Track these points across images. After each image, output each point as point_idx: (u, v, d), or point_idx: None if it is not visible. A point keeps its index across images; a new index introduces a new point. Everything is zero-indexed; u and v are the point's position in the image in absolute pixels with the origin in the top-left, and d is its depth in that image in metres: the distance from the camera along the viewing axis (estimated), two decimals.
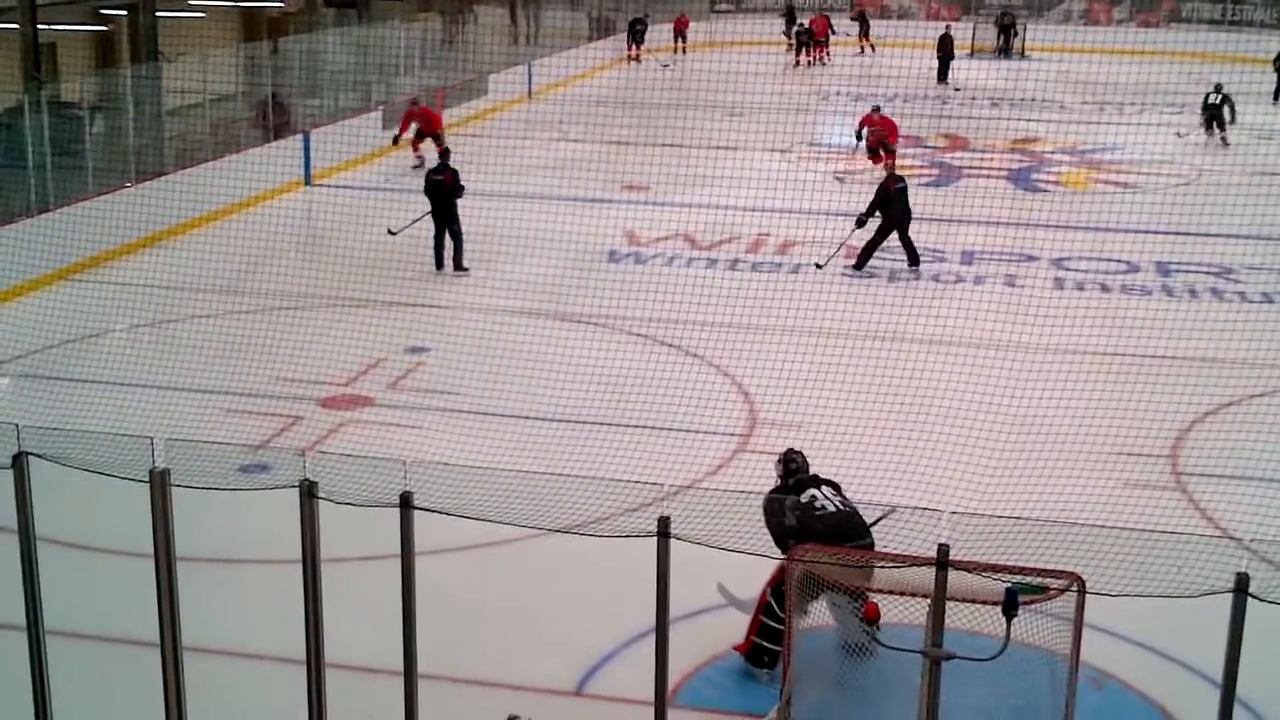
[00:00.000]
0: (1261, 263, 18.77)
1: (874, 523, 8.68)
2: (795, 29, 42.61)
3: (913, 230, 18.31)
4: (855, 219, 18.12)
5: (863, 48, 43.17)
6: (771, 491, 8.77)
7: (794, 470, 9.04)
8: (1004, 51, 42.66)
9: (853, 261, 18.28)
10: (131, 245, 18.35)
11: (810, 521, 8.43)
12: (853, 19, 44.25)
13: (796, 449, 9.36)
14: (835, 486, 8.81)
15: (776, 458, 9.30)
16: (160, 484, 6.23)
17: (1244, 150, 25.36)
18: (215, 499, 7.82)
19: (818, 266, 18.04)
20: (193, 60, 23.16)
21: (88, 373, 14.06)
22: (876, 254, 18.26)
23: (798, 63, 41.19)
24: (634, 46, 41.97)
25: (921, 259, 18.27)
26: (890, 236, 18.20)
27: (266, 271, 17.52)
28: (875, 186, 18.61)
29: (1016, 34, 42.88)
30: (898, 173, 18.83)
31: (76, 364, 14.41)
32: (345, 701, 6.96)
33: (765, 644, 8.65)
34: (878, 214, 18.20)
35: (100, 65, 25.86)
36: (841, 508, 8.56)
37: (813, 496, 8.60)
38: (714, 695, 8.61)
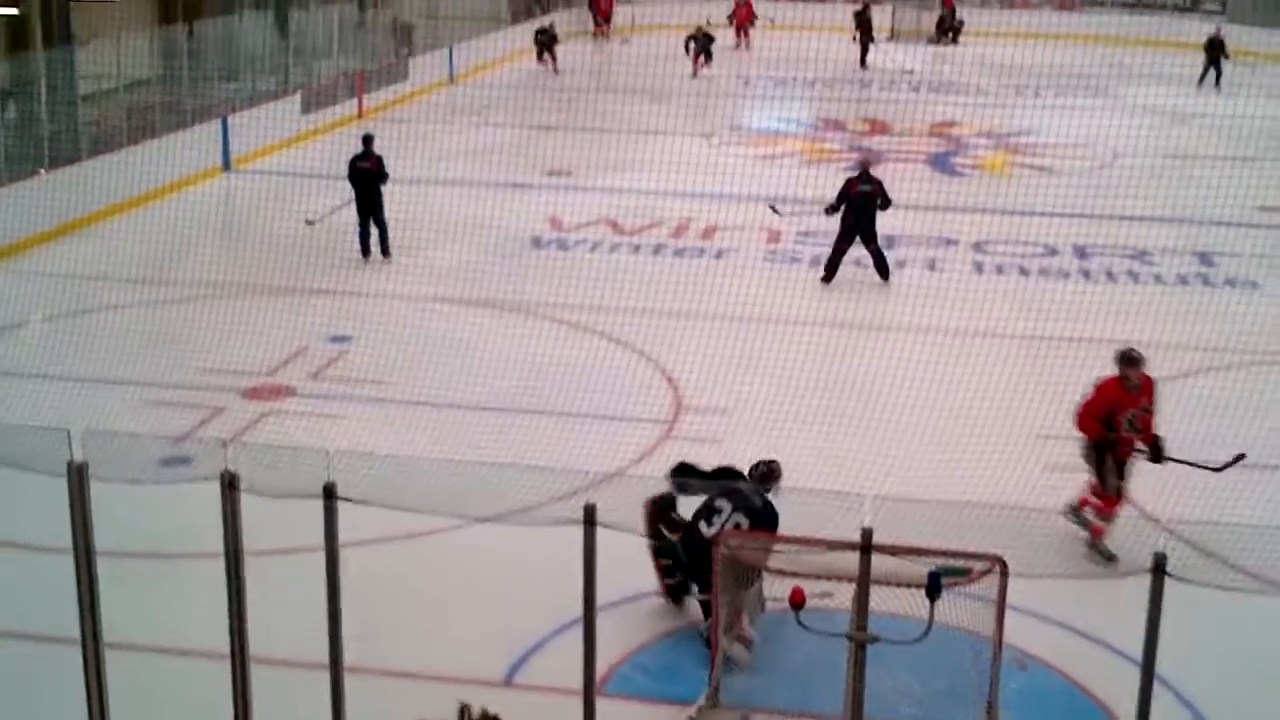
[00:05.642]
0: (1176, 245, 19.05)
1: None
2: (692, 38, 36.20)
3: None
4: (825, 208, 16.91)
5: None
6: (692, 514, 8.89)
7: (688, 488, 9.02)
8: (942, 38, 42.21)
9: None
10: (46, 234, 18.03)
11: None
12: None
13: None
14: (736, 491, 8.85)
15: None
16: (79, 477, 6.14)
17: (1159, 134, 25.73)
18: (137, 493, 7.73)
19: (774, 209, 17.83)
20: (107, 44, 22.76)
21: (1, 365, 13.81)
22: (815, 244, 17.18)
23: (695, 73, 34.82)
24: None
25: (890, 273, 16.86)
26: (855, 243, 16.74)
27: (186, 260, 17.29)
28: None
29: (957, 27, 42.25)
30: (871, 171, 17.00)
31: None
32: (271, 696, 6.90)
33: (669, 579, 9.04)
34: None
35: (11, 50, 25.32)
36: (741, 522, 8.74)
37: (718, 511, 8.76)
38: (643, 683, 8.63)
